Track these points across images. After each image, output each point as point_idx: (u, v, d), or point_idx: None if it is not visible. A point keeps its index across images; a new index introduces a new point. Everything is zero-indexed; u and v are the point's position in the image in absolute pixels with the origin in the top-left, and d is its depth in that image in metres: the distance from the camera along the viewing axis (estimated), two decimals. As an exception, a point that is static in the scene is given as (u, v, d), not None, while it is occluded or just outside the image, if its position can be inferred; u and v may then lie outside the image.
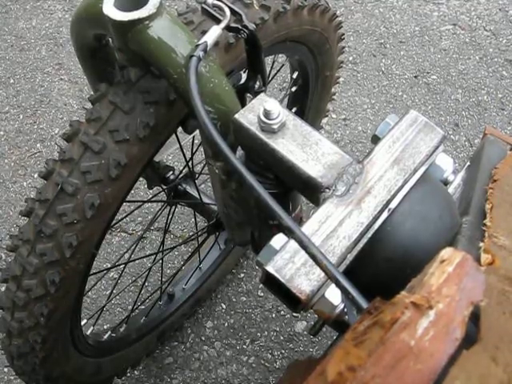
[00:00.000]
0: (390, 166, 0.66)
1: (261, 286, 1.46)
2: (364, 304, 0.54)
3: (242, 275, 1.49)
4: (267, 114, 0.67)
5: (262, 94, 0.71)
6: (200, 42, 0.67)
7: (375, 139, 0.70)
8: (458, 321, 0.49)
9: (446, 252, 0.54)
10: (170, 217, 1.25)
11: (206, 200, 1.20)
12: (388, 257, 0.65)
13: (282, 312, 1.43)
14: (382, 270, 0.65)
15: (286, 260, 0.59)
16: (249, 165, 0.74)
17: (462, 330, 0.49)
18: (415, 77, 1.89)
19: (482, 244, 0.69)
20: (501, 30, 2.00)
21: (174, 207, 1.26)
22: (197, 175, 1.22)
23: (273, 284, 0.60)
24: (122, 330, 1.21)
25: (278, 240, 0.61)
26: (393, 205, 0.64)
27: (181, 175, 1.17)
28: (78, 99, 1.85)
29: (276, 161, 0.67)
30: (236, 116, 0.69)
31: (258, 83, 0.81)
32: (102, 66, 0.84)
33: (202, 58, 0.66)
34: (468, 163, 0.87)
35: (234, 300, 1.45)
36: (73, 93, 1.87)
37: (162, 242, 1.28)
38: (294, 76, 1.20)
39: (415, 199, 0.66)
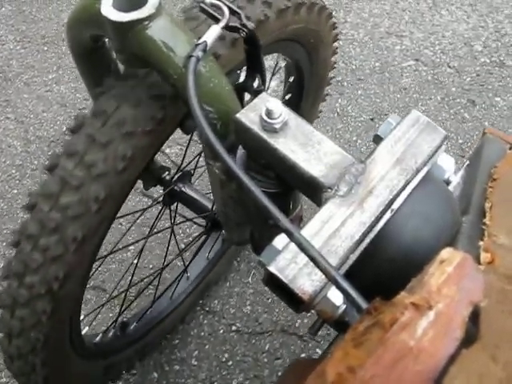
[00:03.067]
0: (392, 165, 0.66)
1: (195, 353, 1.38)
2: (363, 304, 0.55)
3: (177, 341, 1.40)
4: (269, 113, 0.67)
5: (264, 93, 0.71)
6: (199, 42, 0.67)
7: (377, 139, 0.70)
8: (457, 321, 0.50)
9: (446, 252, 0.54)
10: (174, 215, 1.25)
11: (202, 199, 1.20)
12: (390, 257, 0.65)
13: (216, 383, 1.34)
14: (384, 270, 0.65)
15: (288, 260, 0.59)
16: (250, 164, 0.74)
17: (461, 330, 0.50)
18: (371, 119, 1.77)
19: (481, 243, 0.70)
20: (465, 67, 1.88)
21: (173, 207, 1.26)
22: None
23: (275, 284, 0.60)
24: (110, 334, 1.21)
25: (281, 240, 0.61)
26: (396, 205, 0.64)
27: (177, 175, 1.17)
28: (22, 141, 1.74)
29: (278, 160, 0.67)
30: (237, 115, 0.69)
31: (256, 82, 0.81)
32: (99, 68, 0.84)
33: (201, 57, 0.66)
34: (467, 162, 0.87)
35: (166, 369, 1.36)
36: (18, 134, 1.75)
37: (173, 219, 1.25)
38: (291, 80, 1.19)
39: (418, 199, 0.66)
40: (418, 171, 0.66)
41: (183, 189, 1.15)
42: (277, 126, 0.67)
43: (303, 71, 1.15)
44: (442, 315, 0.49)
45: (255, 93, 0.80)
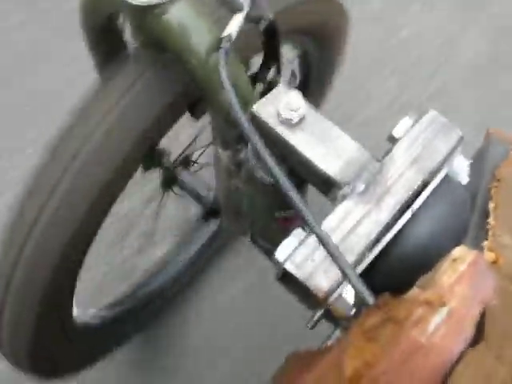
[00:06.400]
0: (409, 165, 0.65)
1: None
2: (370, 299, 0.55)
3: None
4: (288, 106, 0.66)
5: (282, 85, 0.70)
6: (224, 35, 0.65)
7: (392, 138, 0.69)
8: (469, 319, 0.50)
9: (458, 251, 0.54)
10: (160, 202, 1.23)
11: (200, 185, 1.19)
12: (405, 258, 0.64)
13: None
14: (397, 270, 0.64)
15: (305, 256, 0.59)
16: None
17: (472, 329, 0.50)
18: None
19: (485, 243, 0.70)
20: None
21: (167, 194, 1.25)
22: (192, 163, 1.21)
23: (289, 280, 0.59)
24: None
25: (297, 235, 0.60)
26: (416, 205, 0.64)
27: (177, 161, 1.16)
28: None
29: (294, 155, 0.66)
30: (255, 107, 0.67)
31: (271, 73, 0.79)
32: (111, 47, 0.82)
33: (229, 50, 0.64)
34: (470, 162, 0.87)
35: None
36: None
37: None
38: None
39: (437, 201, 0.66)
40: (434, 172, 0.66)
41: (183, 173, 1.14)
42: (295, 120, 0.66)
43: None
44: (454, 313, 0.49)
45: (269, 84, 0.79)
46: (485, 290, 0.52)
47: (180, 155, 1.15)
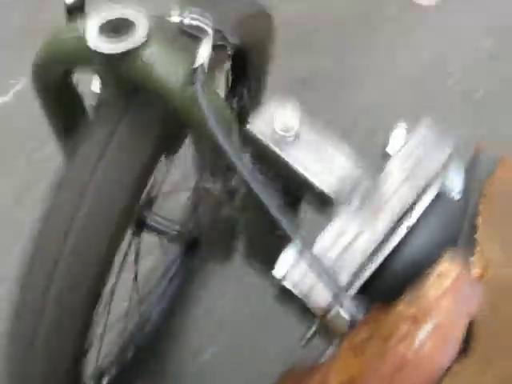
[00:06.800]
0: (403, 181, 0.65)
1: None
2: (360, 315, 0.55)
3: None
4: (282, 122, 0.65)
5: (277, 99, 0.68)
6: (197, 66, 0.64)
7: (386, 154, 0.69)
8: (454, 333, 0.50)
9: (443, 265, 0.55)
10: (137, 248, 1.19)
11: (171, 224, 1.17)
12: (401, 271, 0.64)
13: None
14: (393, 284, 0.65)
15: (302, 274, 0.59)
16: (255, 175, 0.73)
17: (458, 342, 0.50)
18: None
19: (473, 257, 0.71)
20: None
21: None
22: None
23: (288, 297, 0.60)
24: None
25: (293, 251, 0.61)
26: (410, 222, 0.64)
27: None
28: None
29: (288, 172, 0.66)
30: (249, 125, 0.67)
31: (241, 98, 0.79)
32: (69, 107, 0.77)
33: (204, 81, 0.64)
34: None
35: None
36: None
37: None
38: None
39: (430, 216, 0.66)
40: (428, 187, 0.66)
41: (150, 215, 1.07)
42: (289, 137, 0.65)
43: None
44: (439, 327, 0.50)
45: (240, 108, 0.79)
46: (470, 304, 0.53)
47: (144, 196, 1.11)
